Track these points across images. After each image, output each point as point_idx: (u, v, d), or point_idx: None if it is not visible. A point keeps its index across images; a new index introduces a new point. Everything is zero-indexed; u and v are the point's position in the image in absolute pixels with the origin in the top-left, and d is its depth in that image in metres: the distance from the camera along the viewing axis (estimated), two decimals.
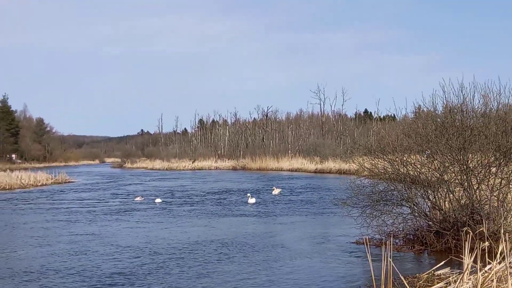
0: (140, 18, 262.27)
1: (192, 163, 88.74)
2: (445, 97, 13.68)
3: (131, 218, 20.91)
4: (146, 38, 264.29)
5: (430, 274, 9.45)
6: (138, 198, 28.61)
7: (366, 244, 9.43)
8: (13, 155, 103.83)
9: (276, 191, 30.98)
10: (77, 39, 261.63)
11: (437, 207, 13.34)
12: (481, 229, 9.28)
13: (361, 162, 14.78)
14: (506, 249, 7.66)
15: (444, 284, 8.25)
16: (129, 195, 31.96)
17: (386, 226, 13.61)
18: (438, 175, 13.23)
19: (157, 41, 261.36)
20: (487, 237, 8.80)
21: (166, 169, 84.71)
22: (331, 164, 60.97)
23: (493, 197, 12.74)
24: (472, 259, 7.61)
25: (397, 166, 13.73)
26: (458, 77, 13.42)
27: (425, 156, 13.93)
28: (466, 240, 7.93)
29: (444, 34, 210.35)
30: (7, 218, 21.79)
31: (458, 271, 9.06)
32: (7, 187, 40.25)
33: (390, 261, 7.85)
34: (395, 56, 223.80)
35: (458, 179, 13.11)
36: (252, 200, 25.79)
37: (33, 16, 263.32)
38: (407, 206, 13.74)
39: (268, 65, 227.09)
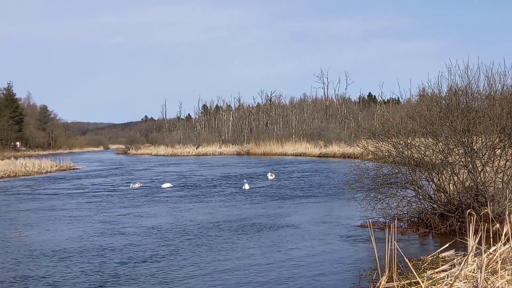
0: (145, 7, 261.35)
1: (196, 148, 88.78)
2: (451, 78, 13.60)
3: (139, 203, 20.98)
4: (151, 27, 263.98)
5: (435, 256, 9.46)
6: (137, 185, 28.46)
7: (370, 227, 9.41)
8: (18, 143, 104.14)
9: (272, 176, 31.21)
10: (81, 27, 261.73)
11: (441, 190, 13.31)
12: (486, 211, 9.25)
13: (365, 145, 14.73)
14: (511, 230, 7.64)
15: (449, 266, 8.26)
16: (135, 181, 31.95)
17: (390, 209, 13.59)
18: (442, 157, 13.17)
19: (162, 30, 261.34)
20: (492, 219, 8.77)
21: (170, 155, 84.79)
22: (335, 148, 60.97)
23: (497, 179, 12.70)
24: (477, 241, 7.59)
25: (401, 149, 13.68)
26: (464, 60, 13.30)
27: None
28: (471, 222, 7.92)
29: (449, 20, 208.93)
30: (12, 205, 21.93)
31: (463, 253, 9.06)
32: (11, 175, 40.51)
33: (394, 244, 7.85)
34: (400, 43, 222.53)
35: (462, 161, 13.06)
36: (246, 186, 25.73)
37: (37, 4, 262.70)
38: (411, 189, 13.71)
39: (273, 52, 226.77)
